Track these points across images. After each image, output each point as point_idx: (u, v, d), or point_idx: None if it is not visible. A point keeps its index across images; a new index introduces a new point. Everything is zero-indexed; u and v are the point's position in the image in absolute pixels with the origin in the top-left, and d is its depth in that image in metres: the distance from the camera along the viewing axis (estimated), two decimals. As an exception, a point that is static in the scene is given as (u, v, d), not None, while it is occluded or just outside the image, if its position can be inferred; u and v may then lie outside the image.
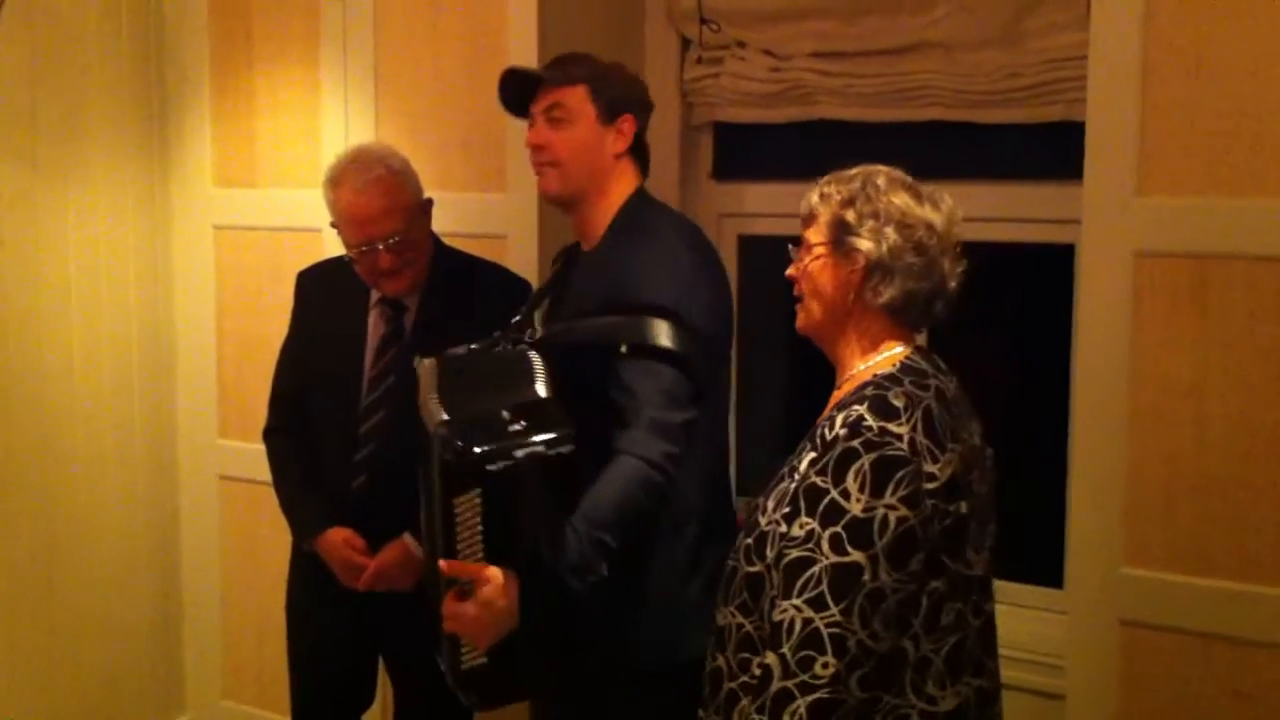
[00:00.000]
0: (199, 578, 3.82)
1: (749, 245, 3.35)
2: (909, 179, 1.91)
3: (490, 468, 1.97)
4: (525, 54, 3.06)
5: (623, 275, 2.24)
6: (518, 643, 2.04)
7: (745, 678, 1.82)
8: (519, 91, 2.43)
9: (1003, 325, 3.10)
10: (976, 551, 1.83)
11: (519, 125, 3.06)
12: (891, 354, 1.89)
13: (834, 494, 1.72)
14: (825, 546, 1.71)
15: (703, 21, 3.24)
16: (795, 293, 1.96)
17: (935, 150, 2.93)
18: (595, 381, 2.18)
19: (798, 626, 1.70)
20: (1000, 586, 1.99)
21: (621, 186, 2.38)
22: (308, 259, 3.07)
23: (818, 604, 1.70)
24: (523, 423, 2.01)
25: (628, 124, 2.38)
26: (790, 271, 1.96)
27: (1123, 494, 2.48)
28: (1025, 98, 2.85)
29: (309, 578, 2.85)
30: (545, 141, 2.37)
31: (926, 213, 1.87)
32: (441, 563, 2.05)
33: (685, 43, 3.31)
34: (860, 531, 1.70)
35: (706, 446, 2.29)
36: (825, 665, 1.69)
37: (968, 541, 1.81)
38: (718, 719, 1.88)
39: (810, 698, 1.69)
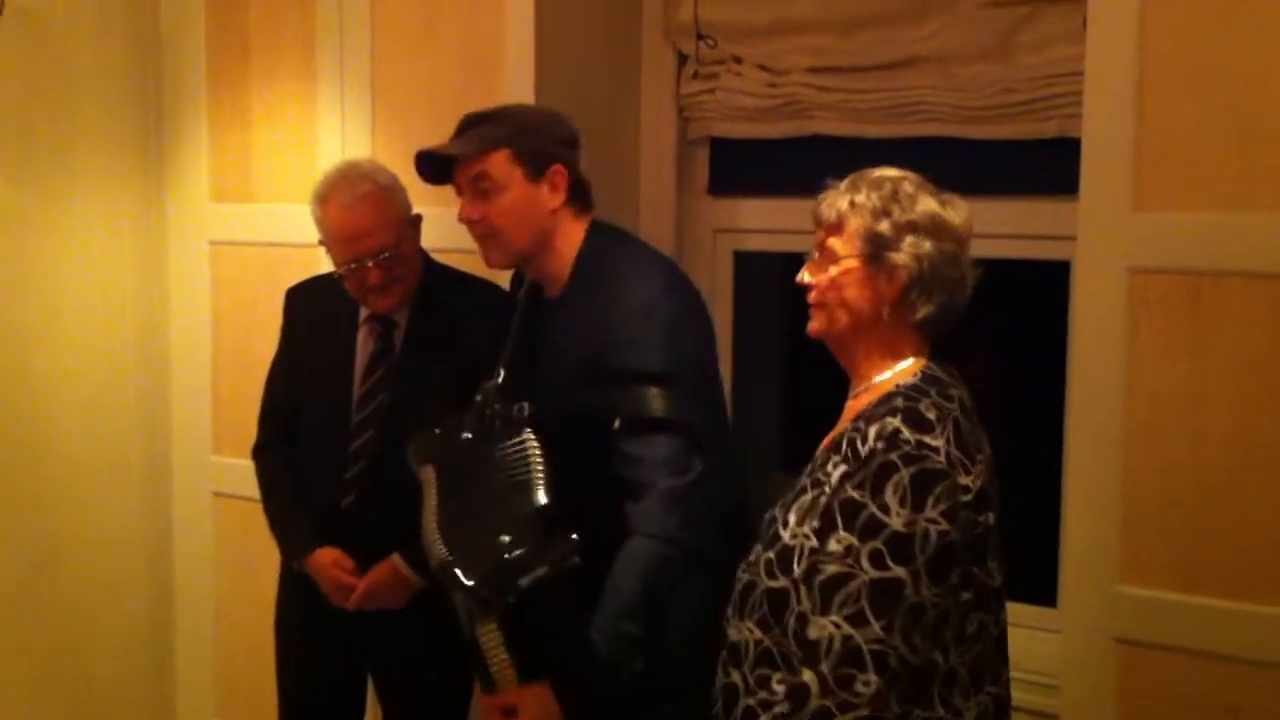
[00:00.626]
0: (192, 594, 3.81)
1: (744, 261, 3.34)
2: (927, 183, 1.90)
3: (500, 602, 1.95)
4: (521, 70, 3.05)
5: (605, 338, 2.16)
6: None
7: (764, 694, 1.80)
8: (437, 166, 2.33)
9: (998, 341, 3.09)
10: (995, 561, 1.82)
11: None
12: (911, 363, 1.88)
13: (873, 508, 1.71)
14: (865, 562, 1.70)
15: (699, 36, 3.23)
16: (812, 299, 1.91)
17: (931, 166, 2.91)
18: (592, 451, 2.12)
19: (836, 644, 1.69)
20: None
21: (569, 235, 2.29)
22: (304, 274, 3.06)
23: (857, 620, 1.69)
24: (524, 549, 1.95)
25: (559, 175, 2.28)
26: (807, 279, 1.91)
27: (1118, 511, 2.46)
28: (1020, 113, 2.84)
29: (298, 596, 2.84)
30: (479, 215, 2.27)
31: (951, 218, 1.86)
32: (480, 700, 2.06)
33: (681, 58, 3.30)
34: (902, 546, 1.69)
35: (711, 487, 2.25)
36: (866, 683, 1.68)
37: (991, 552, 1.80)
38: None
39: (850, 715, 1.68)
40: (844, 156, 3.07)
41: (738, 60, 3.20)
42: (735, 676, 1.86)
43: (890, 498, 1.70)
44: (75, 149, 3.52)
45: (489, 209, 2.27)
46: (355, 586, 2.68)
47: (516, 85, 3.06)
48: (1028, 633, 2.86)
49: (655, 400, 2.10)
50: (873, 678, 1.67)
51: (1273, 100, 2.31)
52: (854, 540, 1.70)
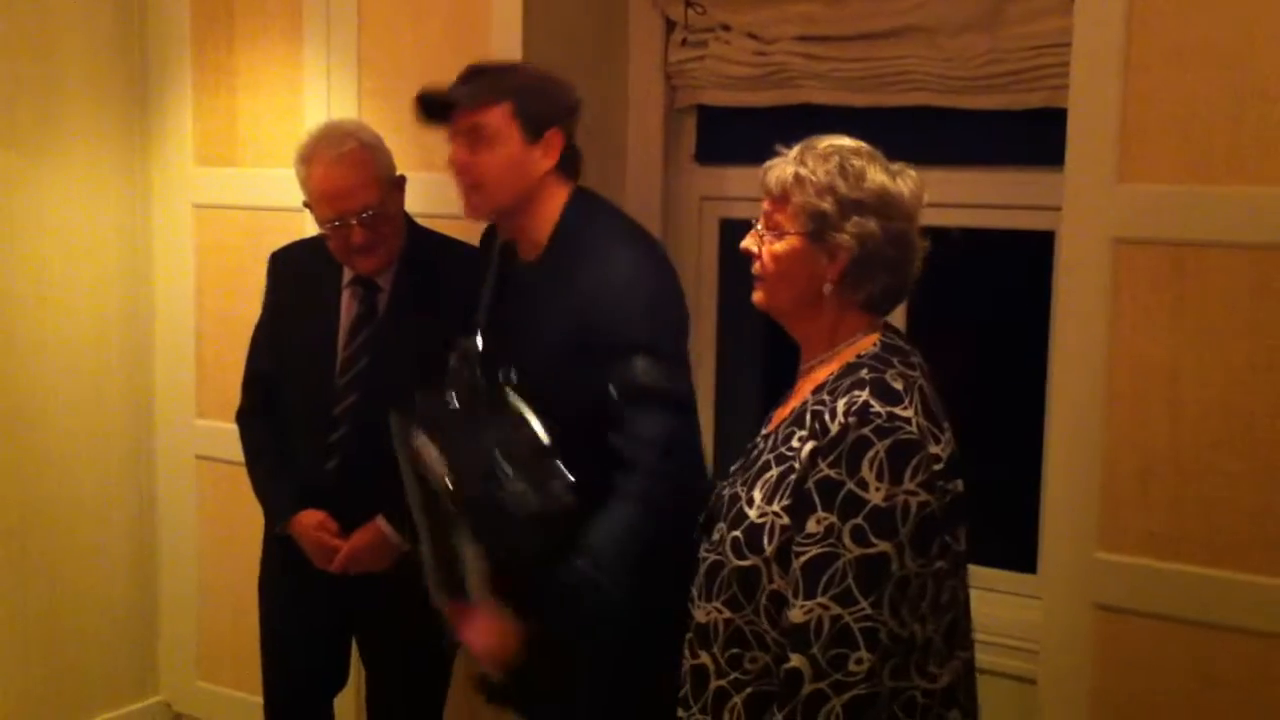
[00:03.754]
0: (175, 558, 3.81)
1: (730, 228, 3.34)
2: (877, 154, 1.87)
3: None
4: (509, 34, 3.04)
5: (589, 312, 2.17)
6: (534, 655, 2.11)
7: (736, 674, 1.79)
8: (436, 106, 2.29)
9: (981, 310, 3.10)
10: (963, 528, 1.82)
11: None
12: (866, 335, 1.86)
13: (851, 485, 1.69)
14: (848, 540, 1.68)
15: (688, 4, 3.22)
16: (755, 270, 1.90)
17: (917, 136, 2.91)
18: (578, 421, 2.13)
19: (826, 625, 1.67)
20: (973, 571, 1.98)
21: (552, 199, 2.29)
22: (289, 238, 3.05)
23: (845, 599, 1.67)
24: (523, 484, 2.04)
25: (555, 138, 2.28)
26: (750, 246, 1.90)
27: (1098, 479, 2.48)
28: (1007, 84, 2.84)
29: (282, 560, 2.84)
30: (466, 164, 2.26)
31: (900, 189, 1.83)
32: (448, 607, 2.15)
33: (670, 25, 3.29)
34: (884, 521, 1.68)
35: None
36: (859, 661, 1.67)
37: (960, 519, 1.80)
38: (704, 718, 1.83)
39: (846, 696, 1.66)
40: (831, 125, 3.02)
41: (726, 28, 3.20)
42: (705, 658, 1.84)
43: (867, 473, 1.68)
44: (60, 112, 3.50)
45: (479, 159, 2.25)
46: (339, 549, 2.69)
47: (504, 51, 3.04)
48: (1008, 599, 2.88)
49: (644, 371, 2.13)
50: (865, 655, 1.66)
51: (1258, 73, 2.31)
52: (834, 519, 1.69)
